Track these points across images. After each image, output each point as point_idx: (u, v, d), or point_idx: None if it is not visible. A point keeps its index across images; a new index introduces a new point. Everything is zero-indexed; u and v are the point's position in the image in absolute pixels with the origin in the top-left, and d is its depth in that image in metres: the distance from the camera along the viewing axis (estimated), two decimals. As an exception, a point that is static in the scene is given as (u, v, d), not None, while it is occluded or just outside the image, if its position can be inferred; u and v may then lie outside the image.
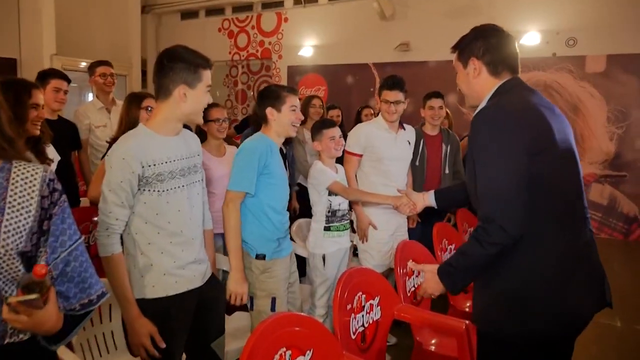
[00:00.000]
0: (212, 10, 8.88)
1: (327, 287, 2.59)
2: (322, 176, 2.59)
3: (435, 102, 3.32)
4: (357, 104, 6.52)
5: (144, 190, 1.66)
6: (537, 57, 6.17)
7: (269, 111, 2.21)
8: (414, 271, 2.40)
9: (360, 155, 2.89)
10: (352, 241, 2.94)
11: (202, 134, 2.75)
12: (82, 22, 8.13)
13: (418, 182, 3.21)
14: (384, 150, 2.85)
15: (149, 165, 1.65)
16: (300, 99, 4.52)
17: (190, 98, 1.70)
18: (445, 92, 6.72)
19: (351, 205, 2.82)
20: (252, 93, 8.68)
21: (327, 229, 2.62)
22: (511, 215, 1.38)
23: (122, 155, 1.62)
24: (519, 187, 1.38)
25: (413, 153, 3.07)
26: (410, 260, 2.17)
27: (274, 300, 2.11)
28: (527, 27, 6.30)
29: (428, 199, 2.17)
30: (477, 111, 1.56)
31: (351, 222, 2.95)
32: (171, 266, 1.72)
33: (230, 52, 8.74)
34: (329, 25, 7.72)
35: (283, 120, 2.21)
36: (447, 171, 3.35)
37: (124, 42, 8.46)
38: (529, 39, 6.29)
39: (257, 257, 2.12)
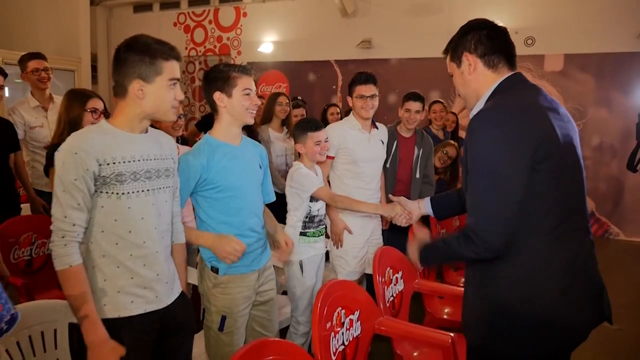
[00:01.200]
0: (167, 3, 8.51)
1: (307, 299, 2.42)
2: (306, 181, 2.41)
3: (413, 105, 3.12)
4: (319, 101, 6.40)
5: (101, 192, 1.45)
6: (498, 56, 6.21)
7: (218, 97, 1.87)
8: (392, 280, 2.30)
9: (333, 158, 2.75)
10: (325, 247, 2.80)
11: None
12: (26, 13, 7.62)
13: (388, 185, 3.09)
14: (358, 152, 2.72)
15: (107, 163, 1.44)
16: (262, 97, 4.35)
17: (149, 94, 1.49)
18: (408, 90, 6.78)
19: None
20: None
21: (303, 234, 2.46)
22: (497, 232, 1.31)
23: (75, 150, 1.41)
24: (511, 203, 1.29)
25: (387, 154, 2.96)
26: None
27: (223, 319, 1.89)
28: (488, 26, 6.33)
29: (424, 207, 1.98)
30: (473, 113, 1.43)
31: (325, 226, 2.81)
32: (128, 283, 1.51)
33: (186, 48, 8.40)
34: (290, 21, 7.55)
35: (235, 106, 1.87)
36: (417, 175, 3.22)
37: (72, 36, 7.97)
38: (490, 37, 6.33)
39: (212, 269, 1.91)
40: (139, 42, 1.49)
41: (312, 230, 2.48)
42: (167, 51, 1.51)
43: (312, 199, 2.44)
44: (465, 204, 1.47)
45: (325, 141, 2.46)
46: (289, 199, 2.49)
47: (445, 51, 1.56)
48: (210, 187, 1.86)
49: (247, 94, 1.88)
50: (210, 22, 8.18)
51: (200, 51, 8.32)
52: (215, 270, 1.91)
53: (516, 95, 1.40)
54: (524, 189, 1.29)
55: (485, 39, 1.44)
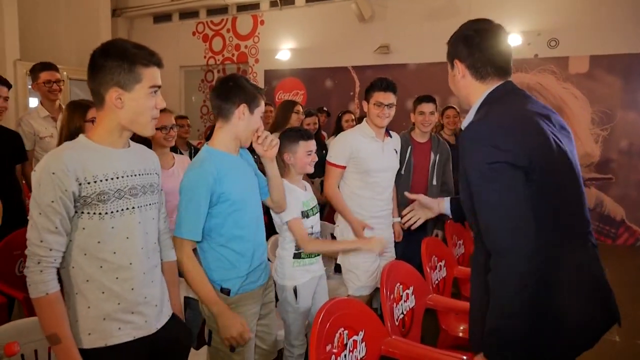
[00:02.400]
0: (185, 13, 8.59)
1: (301, 322, 2.28)
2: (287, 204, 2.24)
3: (427, 107, 3.02)
4: (337, 108, 6.30)
5: (82, 213, 1.36)
6: (519, 59, 6.03)
7: (242, 109, 1.78)
8: (402, 296, 2.16)
9: (344, 167, 2.65)
10: (334, 259, 2.69)
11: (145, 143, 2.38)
12: (48, 26, 7.77)
13: (402, 193, 2.98)
14: (371, 161, 2.62)
15: (88, 182, 1.35)
16: (271, 104, 4.32)
17: (128, 103, 1.39)
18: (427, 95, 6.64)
19: (326, 209, 2.57)
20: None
21: (296, 256, 2.27)
22: (523, 244, 1.22)
23: (52, 169, 1.31)
24: (525, 212, 1.24)
25: (400, 161, 2.85)
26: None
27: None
28: (508, 29, 6.05)
29: (443, 206, 1.88)
30: (465, 124, 1.41)
31: (333, 238, 2.70)
32: (114, 309, 1.41)
33: (205, 57, 8.45)
34: (307, 28, 7.50)
35: (252, 125, 1.83)
36: (434, 182, 3.09)
37: (93, 47, 7.99)
38: (510, 40, 6.11)
39: (222, 290, 1.81)
40: (116, 47, 1.39)
41: None
42: (147, 57, 1.41)
43: (303, 215, 2.27)
44: None
45: (315, 152, 2.33)
46: (273, 217, 2.30)
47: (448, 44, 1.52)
48: (223, 200, 1.77)
49: (261, 117, 1.88)
50: (228, 30, 8.21)
51: (218, 60, 8.35)
52: (226, 292, 1.82)
53: (506, 104, 1.37)
54: (526, 198, 1.25)
55: (476, 49, 1.41)
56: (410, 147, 3.01)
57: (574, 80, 5.82)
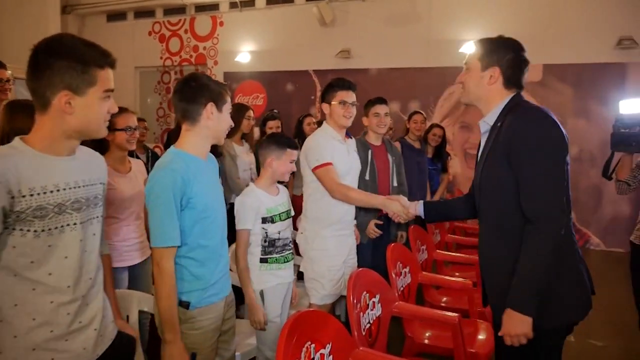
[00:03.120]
0: (141, 12, 8.32)
1: (275, 332, 2.16)
2: (241, 214, 2.19)
3: (381, 109, 3.01)
4: (297, 112, 6.25)
5: (14, 229, 1.18)
6: (477, 66, 6.16)
7: (210, 108, 1.70)
8: (368, 305, 2.12)
9: (330, 163, 2.51)
10: (297, 265, 2.62)
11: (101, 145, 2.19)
12: (-9, 21, 7.35)
13: None
14: (339, 164, 2.54)
15: (23, 195, 1.18)
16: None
17: (79, 109, 1.24)
18: (388, 100, 6.68)
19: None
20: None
21: (263, 260, 2.22)
22: (560, 214, 1.53)
23: None
24: (564, 188, 1.57)
25: (362, 166, 2.81)
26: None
27: (193, 356, 1.67)
28: (465, 36, 6.30)
29: (418, 208, 2.21)
30: (487, 121, 1.71)
31: (295, 245, 2.62)
32: (46, 337, 1.24)
33: (161, 57, 8.21)
34: (267, 30, 7.42)
35: (222, 124, 1.76)
36: (395, 184, 3.11)
37: (41, 45, 7.71)
38: (468, 48, 6.26)
39: (181, 303, 1.69)
40: (64, 45, 1.24)
41: (274, 256, 2.24)
42: (101, 57, 1.27)
43: (266, 220, 2.22)
44: (463, 212, 2.03)
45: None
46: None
47: (477, 47, 1.74)
48: (191, 206, 1.66)
49: (229, 114, 1.82)
50: (186, 31, 8.01)
51: (175, 61, 8.13)
52: (185, 304, 1.69)
53: (531, 104, 1.67)
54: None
55: (516, 64, 1.66)
56: (370, 150, 2.98)
57: (529, 88, 5.97)
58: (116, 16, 8.50)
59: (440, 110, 6.48)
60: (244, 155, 3.63)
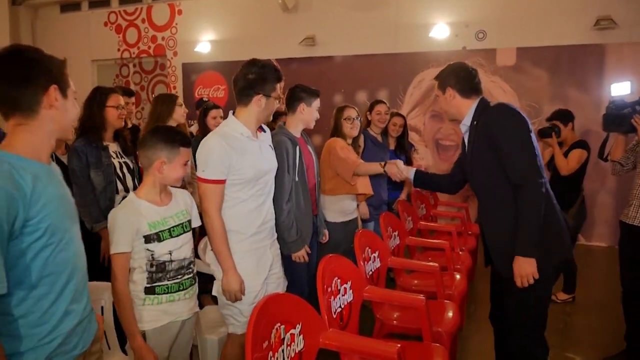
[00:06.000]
0: (96, 1, 7.82)
1: None
2: (116, 232, 1.73)
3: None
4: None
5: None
6: (447, 51, 5.79)
7: (53, 92, 1.27)
8: (339, 290, 2.08)
9: (224, 182, 1.97)
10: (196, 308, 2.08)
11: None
12: None
13: (305, 201, 2.52)
14: (250, 167, 2.01)
15: None
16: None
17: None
18: (354, 89, 6.29)
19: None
20: (146, 95, 7.73)
21: (149, 291, 1.75)
22: (540, 179, 1.93)
23: None
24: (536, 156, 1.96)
25: (289, 161, 2.39)
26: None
27: None
28: (435, 20, 5.92)
29: (410, 174, 2.60)
30: (466, 124, 2.15)
31: (196, 276, 1.98)
32: None
33: (119, 49, 7.73)
34: (228, 19, 6.97)
35: (71, 113, 1.34)
36: (319, 179, 2.80)
37: (-11, 39, 7.21)
38: (438, 31, 5.90)
39: None
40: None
41: (164, 283, 1.77)
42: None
43: (150, 239, 1.74)
44: (443, 186, 2.67)
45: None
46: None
47: (436, 79, 2.21)
48: (31, 231, 1.18)
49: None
50: (143, 20, 7.53)
51: (133, 52, 7.65)
52: None
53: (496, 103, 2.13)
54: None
55: (463, 79, 2.13)
56: (298, 146, 2.49)
57: (502, 73, 5.63)
58: (70, 6, 7.98)
59: (410, 99, 6.08)
60: None
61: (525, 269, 1.91)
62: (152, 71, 7.72)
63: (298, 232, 2.38)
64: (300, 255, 2.39)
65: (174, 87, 7.31)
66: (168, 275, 1.78)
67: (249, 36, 6.79)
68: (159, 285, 1.77)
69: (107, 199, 2.55)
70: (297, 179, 2.43)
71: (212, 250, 2.00)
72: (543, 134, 3.64)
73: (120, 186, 2.61)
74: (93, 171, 2.50)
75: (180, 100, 3.23)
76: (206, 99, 4.04)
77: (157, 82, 7.68)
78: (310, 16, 6.51)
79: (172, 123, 3.06)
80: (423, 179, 2.62)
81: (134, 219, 1.73)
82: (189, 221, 1.91)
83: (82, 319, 1.32)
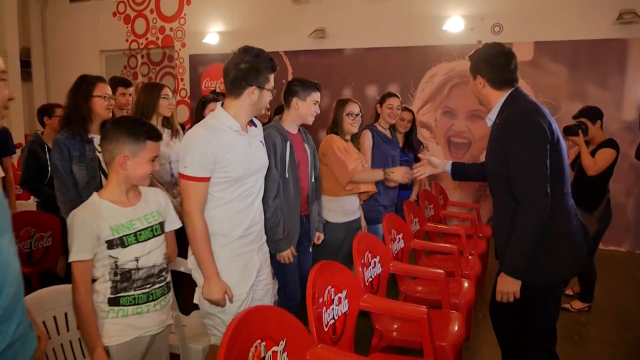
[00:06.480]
0: (105, -9, 7.73)
1: None
2: (75, 238, 1.56)
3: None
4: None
5: None
6: (462, 45, 5.58)
7: None
8: (333, 300, 1.94)
9: (208, 179, 1.83)
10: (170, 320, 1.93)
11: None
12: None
13: (294, 202, 2.39)
14: (238, 164, 1.86)
15: None
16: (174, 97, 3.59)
17: None
18: (364, 83, 6.11)
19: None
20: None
21: (113, 302, 1.59)
22: (543, 197, 1.80)
23: None
24: (547, 174, 1.82)
25: (280, 158, 2.25)
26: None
27: None
28: (450, 12, 5.70)
29: (447, 167, 2.41)
30: (491, 117, 2.03)
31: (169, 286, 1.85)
32: None
33: (127, 40, 7.62)
34: (237, 10, 6.82)
35: None
36: (312, 180, 2.59)
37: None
38: (452, 25, 5.69)
39: None
40: None
41: (130, 293, 1.60)
42: None
43: (113, 244, 1.57)
44: (482, 176, 2.22)
45: None
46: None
47: (470, 58, 2.07)
48: None
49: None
50: (151, 11, 7.41)
51: (142, 43, 7.54)
52: None
53: (524, 101, 1.93)
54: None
55: (495, 69, 1.96)
56: (289, 142, 2.37)
57: (519, 68, 5.40)
58: (79, -4, 7.90)
59: (421, 94, 5.89)
60: (168, 145, 3.01)
61: (508, 287, 1.87)
62: (159, 62, 7.62)
63: (285, 231, 2.25)
64: (286, 255, 2.26)
65: (182, 79, 7.20)
66: (135, 285, 1.61)
67: (257, 27, 6.64)
68: (123, 296, 1.60)
69: (90, 195, 2.42)
70: (287, 175, 2.29)
71: (192, 254, 1.86)
72: (569, 131, 3.36)
73: (105, 181, 2.48)
74: (76, 165, 2.37)
75: (168, 91, 2.94)
76: (218, 91, 3.84)
77: (165, 74, 7.59)
78: (320, 7, 6.33)
79: (156, 116, 2.88)
80: (462, 171, 2.40)
81: (93, 223, 1.55)
82: (161, 224, 1.73)
83: (13, 340, 1.11)
